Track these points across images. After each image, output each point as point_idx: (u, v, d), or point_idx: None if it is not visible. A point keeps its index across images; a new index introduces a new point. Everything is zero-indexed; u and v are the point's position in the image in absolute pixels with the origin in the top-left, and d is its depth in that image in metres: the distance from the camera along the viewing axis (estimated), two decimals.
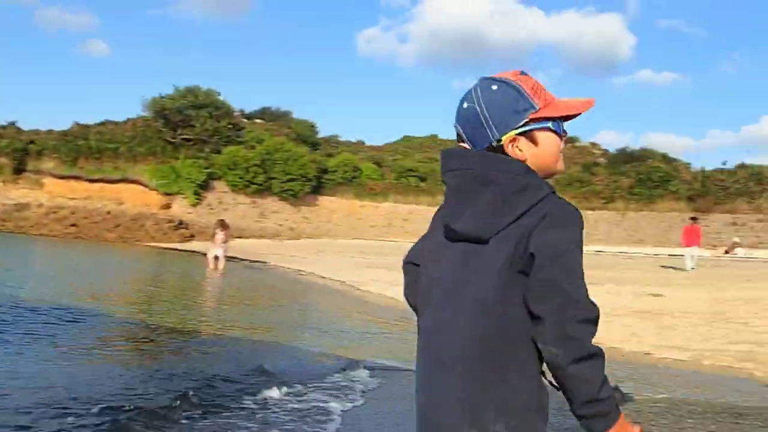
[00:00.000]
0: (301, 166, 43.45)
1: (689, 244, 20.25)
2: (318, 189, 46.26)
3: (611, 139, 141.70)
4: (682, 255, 21.05)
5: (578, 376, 1.31)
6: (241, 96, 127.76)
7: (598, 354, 1.34)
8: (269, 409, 4.42)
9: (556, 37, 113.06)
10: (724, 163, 46.08)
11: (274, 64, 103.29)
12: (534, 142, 1.48)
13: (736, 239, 33.58)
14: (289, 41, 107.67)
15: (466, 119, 1.50)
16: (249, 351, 7.02)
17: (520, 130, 1.46)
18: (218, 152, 42.11)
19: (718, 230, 37.73)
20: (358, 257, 25.26)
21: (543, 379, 1.43)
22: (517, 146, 1.47)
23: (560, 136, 1.52)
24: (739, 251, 31.74)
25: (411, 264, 1.71)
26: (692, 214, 29.33)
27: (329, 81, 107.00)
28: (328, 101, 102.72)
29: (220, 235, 17.34)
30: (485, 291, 1.38)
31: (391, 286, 14.62)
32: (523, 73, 1.50)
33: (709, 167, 48.12)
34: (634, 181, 45.41)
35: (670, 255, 31.92)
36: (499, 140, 1.46)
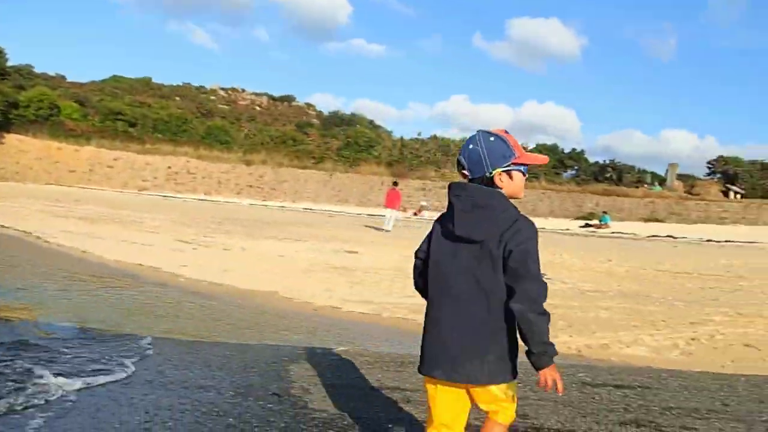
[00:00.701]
0: None
1: (390, 206, 21.55)
2: (5, 125, 39.67)
3: (326, 102, 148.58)
4: (383, 216, 22.92)
5: (536, 324, 2.22)
6: None
7: (547, 314, 2.26)
8: None
9: None
10: (419, 134, 51.27)
11: None
12: (510, 177, 2.33)
13: (424, 203, 37.85)
14: None
15: (470, 156, 2.33)
16: None
17: (504, 168, 2.31)
18: None
19: (410, 194, 41.97)
20: (52, 205, 22.39)
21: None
22: (500, 179, 2.31)
23: (524, 175, 2.37)
24: (426, 213, 35.84)
25: (422, 259, 2.50)
26: (393, 179, 32.14)
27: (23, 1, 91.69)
28: (22, 24, 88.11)
29: None
30: (481, 271, 2.26)
31: (87, 238, 13.20)
32: (507, 132, 2.35)
33: (407, 136, 53.25)
34: (342, 144, 48.13)
35: (369, 215, 34.72)
36: (491, 173, 2.30)
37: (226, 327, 6.40)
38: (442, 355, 2.29)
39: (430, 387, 2.38)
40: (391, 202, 21.67)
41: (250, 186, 47.81)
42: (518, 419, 3.12)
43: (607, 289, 9.87)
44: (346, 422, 3.43)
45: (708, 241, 22.87)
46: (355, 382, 4.26)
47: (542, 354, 2.21)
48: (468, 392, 2.34)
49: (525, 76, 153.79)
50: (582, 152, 49.27)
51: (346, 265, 11.49)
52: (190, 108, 65.44)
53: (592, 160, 47.09)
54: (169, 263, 10.46)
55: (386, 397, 3.87)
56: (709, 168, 40.80)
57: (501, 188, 2.31)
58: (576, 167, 45.38)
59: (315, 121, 76.03)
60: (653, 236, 24.28)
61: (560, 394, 2.37)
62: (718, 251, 18.52)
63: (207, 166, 46.57)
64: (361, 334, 6.59)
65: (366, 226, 22.74)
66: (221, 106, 77.55)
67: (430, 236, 2.46)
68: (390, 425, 3.39)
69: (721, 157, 40.68)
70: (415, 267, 2.53)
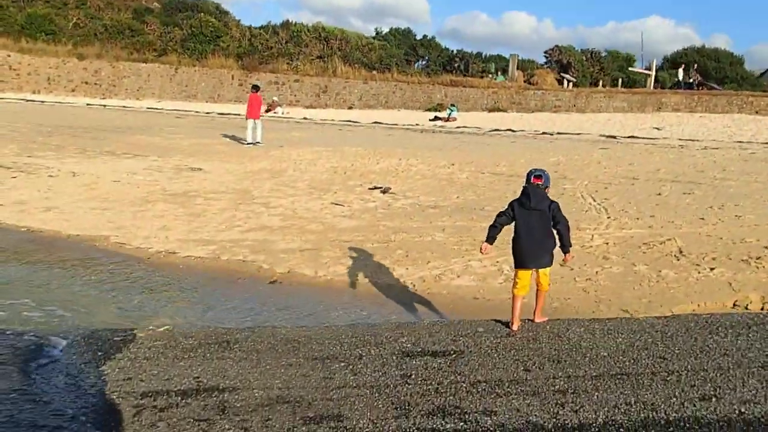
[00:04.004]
0: None
1: (252, 117, 19.06)
2: None
3: None
4: (238, 115, 20.92)
5: (567, 236, 4.70)
6: None
7: (569, 228, 4.77)
8: None
9: None
10: (268, 23, 48.66)
11: None
12: (547, 190, 4.78)
13: (275, 98, 36.70)
14: None
15: (542, 177, 4.70)
16: None
17: (547, 186, 4.78)
18: None
19: (263, 89, 40.38)
20: None
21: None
22: (547, 189, 4.75)
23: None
24: (280, 110, 34.86)
25: (511, 218, 4.70)
26: (254, 82, 30.51)
27: None
28: None
29: None
30: (544, 220, 4.62)
31: None
32: (545, 171, 4.83)
33: (256, 24, 50.41)
34: (186, 34, 44.62)
35: (221, 114, 33.19)
36: (547, 186, 4.73)
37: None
38: (530, 256, 4.66)
39: (522, 272, 4.71)
40: (253, 110, 19.29)
41: (86, 83, 43.49)
42: (325, 420, 3.24)
43: (446, 203, 10.31)
44: None
45: (543, 133, 24.44)
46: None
47: (569, 246, 4.72)
48: (536, 272, 4.76)
49: None
50: (433, 38, 49.61)
51: (187, 189, 10.99)
52: None
53: (442, 44, 47.65)
54: None
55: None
56: (546, 57, 42.89)
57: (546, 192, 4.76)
58: (426, 57, 45.73)
59: (156, 5, 69.30)
60: (495, 130, 25.50)
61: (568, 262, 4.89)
62: (549, 146, 19.87)
63: (32, 61, 41.55)
64: (196, 294, 6.42)
65: (224, 136, 21.22)
66: None
67: (512, 206, 4.70)
68: None
69: (557, 46, 42.76)
70: (501, 224, 4.72)
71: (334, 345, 4.31)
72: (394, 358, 4.08)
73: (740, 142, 21.37)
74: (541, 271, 4.70)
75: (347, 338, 4.45)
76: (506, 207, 4.75)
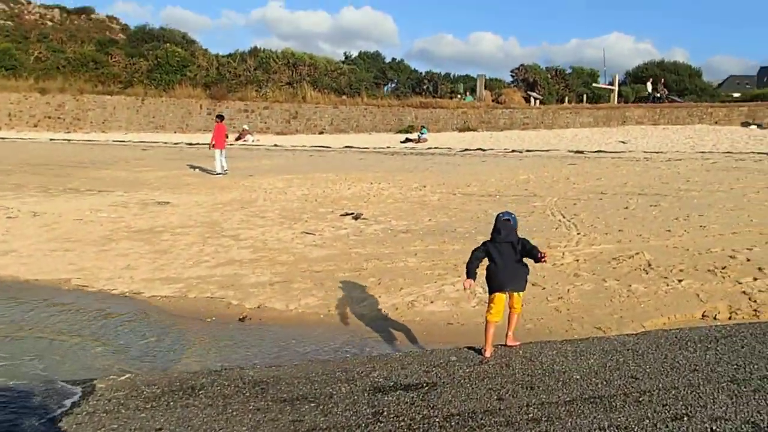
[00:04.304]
0: None
1: (219, 147, 19.18)
2: None
3: (130, 11, 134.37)
4: (206, 144, 21.41)
5: (537, 255, 4.77)
6: None
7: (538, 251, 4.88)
8: None
9: None
10: (236, 51, 48.67)
11: None
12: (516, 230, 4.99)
13: (245, 126, 36.57)
14: None
15: (510, 219, 4.87)
16: None
17: (515, 227, 4.94)
18: None
19: (232, 116, 40.30)
20: None
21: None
22: (515, 230, 4.92)
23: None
24: (250, 138, 34.70)
25: (485, 252, 4.84)
26: (218, 112, 30.35)
27: None
28: None
29: None
30: (515, 250, 4.79)
31: None
32: (512, 215, 4.98)
33: (224, 51, 50.31)
34: (152, 65, 44.39)
35: (190, 144, 32.91)
36: (515, 228, 4.90)
37: None
38: (508, 277, 4.78)
39: (498, 296, 4.77)
40: (220, 141, 19.34)
41: (49, 117, 42.93)
42: None
43: (418, 227, 10.28)
44: None
45: (513, 151, 24.67)
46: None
47: (541, 256, 4.79)
48: (511, 296, 4.86)
49: None
50: (402, 60, 50.18)
51: (153, 225, 10.79)
52: None
53: (411, 66, 48.22)
54: None
55: None
56: (513, 76, 43.60)
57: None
58: (396, 80, 46.16)
59: (120, 37, 68.86)
60: (465, 150, 25.68)
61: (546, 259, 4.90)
62: (519, 164, 20.05)
63: None
64: (162, 336, 6.25)
65: (193, 167, 20.95)
66: (2, 22, 67.32)
67: (485, 243, 4.89)
68: None
69: (522, 65, 43.53)
70: (477, 258, 4.85)
71: (304, 384, 4.20)
72: (366, 394, 3.98)
73: (702, 152, 21.81)
74: (516, 294, 4.83)
75: (317, 376, 4.34)
76: (479, 245, 4.93)
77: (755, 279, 6.69)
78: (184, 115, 41.74)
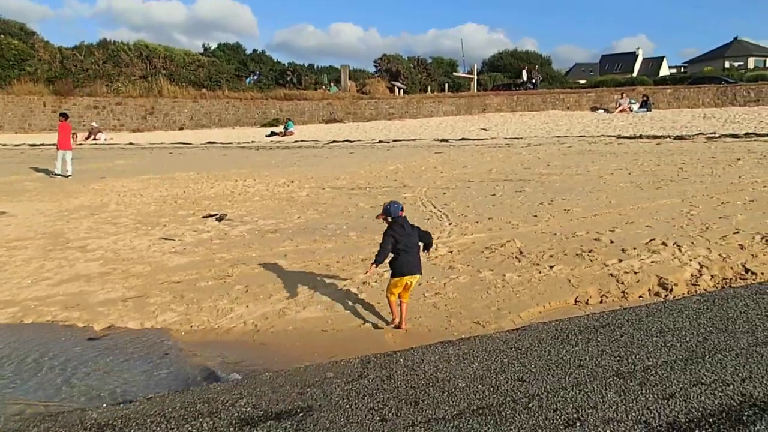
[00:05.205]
0: None
1: (63, 148, 17.80)
2: None
3: None
4: (53, 145, 19.45)
5: (430, 243, 5.73)
6: None
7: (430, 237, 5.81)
8: None
9: None
10: (81, 43, 44.93)
11: None
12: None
13: (95, 124, 33.88)
14: None
15: (402, 209, 5.56)
16: None
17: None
18: None
19: (81, 114, 37.25)
20: None
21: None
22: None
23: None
24: (102, 136, 32.19)
25: (396, 237, 5.39)
26: (62, 110, 27.73)
27: None
28: None
29: None
30: (415, 239, 5.50)
31: None
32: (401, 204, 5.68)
33: (68, 44, 46.28)
34: None
35: (33, 145, 29.89)
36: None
37: None
38: (414, 264, 5.39)
39: (402, 279, 5.37)
40: (64, 141, 17.83)
41: None
42: None
43: (287, 225, 9.77)
44: None
45: (380, 142, 24.68)
46: None
47: (431, 246, 5.75)
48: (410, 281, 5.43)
49: None
50: (263, 52, 48.73)
51: None
52: None
53: (273, 58, 46.94)
54: None
55: None
56: (376, 66, 43.87)
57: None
58: (258, 72, 44.78)
59: None
60: (333, 142, 25.35)
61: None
62: (387, 155, 20.04)
63: None
64: None
65: (36, 170, 19.11)
66: None
67: (394, 233, 5.37)
68: None
69: (385, 55, 43.94)
70: (391, 243, 5.32)
71: (158, 424, 3.60)
72: (232, 429, 3.48)
73: (558, 137, 23.04)
74: (414, 278, 5.47)
75: (174, 411, 3.76)
76: (388, 236, 5.41)
77: (620, 261, 6.89)
78: (24, 113, 37.97)
